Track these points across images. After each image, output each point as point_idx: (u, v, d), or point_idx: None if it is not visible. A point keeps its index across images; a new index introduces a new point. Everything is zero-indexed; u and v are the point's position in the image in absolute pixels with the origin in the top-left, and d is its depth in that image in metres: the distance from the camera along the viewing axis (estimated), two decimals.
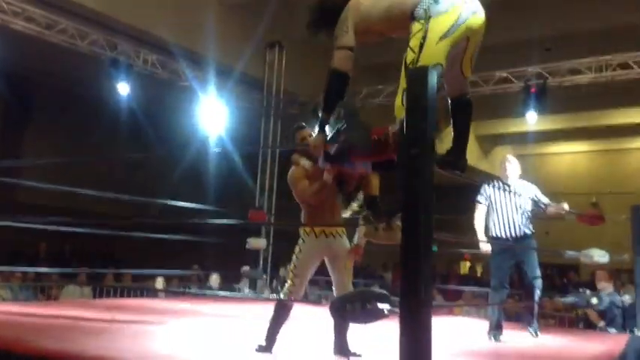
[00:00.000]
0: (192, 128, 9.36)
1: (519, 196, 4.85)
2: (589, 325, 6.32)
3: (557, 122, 13.05)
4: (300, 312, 5.80)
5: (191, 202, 8.72)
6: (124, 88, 8.20)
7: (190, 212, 9.19)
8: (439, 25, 2.60)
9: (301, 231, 3.44)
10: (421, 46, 2.59)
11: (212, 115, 9.09)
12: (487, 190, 5.01)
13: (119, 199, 9.10)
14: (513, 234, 4.82)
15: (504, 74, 8.13)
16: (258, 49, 9.58)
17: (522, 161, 5.22)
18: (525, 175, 5.15)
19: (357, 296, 2.58)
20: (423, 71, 2.20)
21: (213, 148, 9.27)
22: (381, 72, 8.70)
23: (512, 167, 4.99)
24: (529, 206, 4.86)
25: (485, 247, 5.05)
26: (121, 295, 8.14)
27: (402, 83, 2.52)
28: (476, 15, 2.66)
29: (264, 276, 8.77)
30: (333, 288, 3.46)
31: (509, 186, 4.93)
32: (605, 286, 6.20)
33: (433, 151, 2.19)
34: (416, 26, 2.64)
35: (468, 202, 5.89)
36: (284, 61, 9.99)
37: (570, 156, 16.63)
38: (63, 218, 10.09)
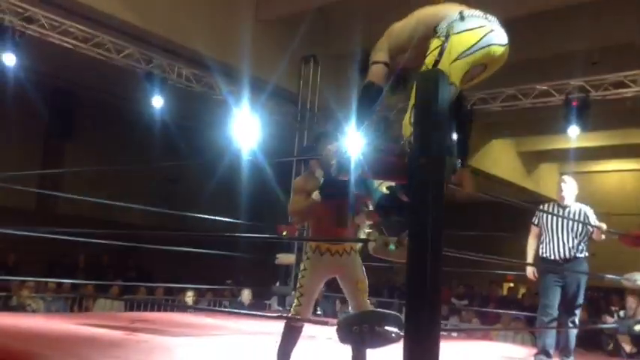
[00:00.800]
0: (226, 142, 9.35)
1: (573, 218, 4.70)
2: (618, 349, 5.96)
3: (603, 139, 12.56)
4: (319, 331, 5.65)
5: (224, 216, 8.71)
6: (158, 102, 8.25)
7: (224, 226, 9.19)
8: (459, 43, 2.44)
9: (307, 247, 3.30)
10: (436, 63, 2.43)
11: (246, 129, 9.06)
12: (540, 212, 4.90)
13: (155, 212, 9.18)
14: (563, 256, 4.66)
15: (545, 87, 7.82)
16: (293, 63, 9.54)
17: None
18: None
19: (366, 318, 2.40)
20: (434, 75, 2.04)
21: (246, 158, 9.22)
22: (498, 74, 8.36)
23: (569, 188, 4.83)
24: (583, 229, 4.64)
25: (530, 270, 4.91)
26: (152, 309, 8.13)
27: (412, 100, 2.37)
28: (501, 44, 2.50)
29: (294, 292, 8.61)
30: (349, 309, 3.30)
31: (563, 208, 4.78)
32: (635, 309, 5.85)
33: (444, 160, 2.02)
34: (435, 42, 2.50)
35: (513, 221, 5.69)
36: (319, 76, 9.91)
37: (618, 174, 16.00)
38: (100, 230, 10.29)
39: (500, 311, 8.58)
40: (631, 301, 5.89)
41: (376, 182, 2.71)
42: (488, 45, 2.45)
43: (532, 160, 15.17)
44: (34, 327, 4.53)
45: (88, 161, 11.74)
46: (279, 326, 6.10)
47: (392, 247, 2.38)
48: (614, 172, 15.93)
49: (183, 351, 3.93)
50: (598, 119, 8.42)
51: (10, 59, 6.86)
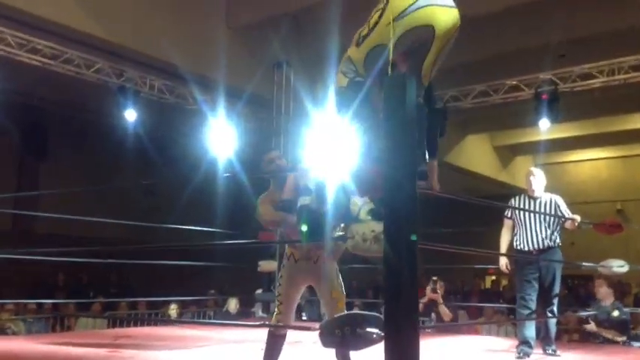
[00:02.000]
0: (202, 151, 9.32)
1: (544, 209, 4.78)
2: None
3: (575, 129, 12.80)
4: (304, 336, 5.67)
5: (201, 226, 8.66)
6: (131, 115, 8.19)
7: (202, 236, 9.13)
8: (397, 5, 2.44)
9: (285, 254, 3.32)
10: (375, 24, 2.48)
11: (221, 138, 9.04)
12: (511, 204, 5.00)
13: (133, 225, 9.09)
14: (537, 247, 4.73)
15: (514, 82, 7.94)
16: (266, 69, 9.55)
17: (543, 171, 5.10)
18: (546, 185, 5.02)
19: (347, 320, 2.42)
20: (401, 80, 2.07)
21: (223, 173, 9.17)
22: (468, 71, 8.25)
23: (537, 180, 4.91)
24: (554, 219, 4.72)
25: (502, 261, 4.98)
26: (135, 324, 8.05)
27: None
28: (445, 4, 2.46)
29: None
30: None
31: (534, 199, 4.86)
32: (605, 296, 5.95)
33: (415, 161, 2.05)
34: (379, 4, 2.54)
35: (491, 214, 5.75)
36: (292, 81, 9.93)
37: (592, 163, 16.29)
38: (78, 248, 10.16)
39: (481, 304, 8.67)
40: (603, 289, 5.97)
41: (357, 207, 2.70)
42: (429, 5, 2.41)
43: (507, 153, 15.37)
44: (15, 349, 4.47)
45: (64, 178, 11.59)
46: (264, 333, 6.12)
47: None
48: (588, 161, 16.22)
49: None
50: (568, 111, 8.56)
51: None
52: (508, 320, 7.49)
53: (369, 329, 2.34)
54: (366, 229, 2.43)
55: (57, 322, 8.11)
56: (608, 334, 5.76)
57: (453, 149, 12.92)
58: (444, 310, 6.40)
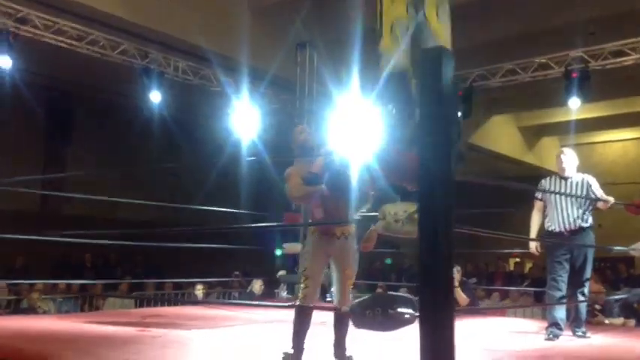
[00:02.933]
0: (226, 133, 9.33)
1: (575, 189, 4.69)
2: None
3: (604, 109, 12.51)
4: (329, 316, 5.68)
5: (226, 207, 8.70)
6: (156, 97, 8.22)
7: (226, 217, 9.18)
8: None
9: (308, 230, 3.33)
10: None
11: (245, 119, 9.03)
12: (542, 185, 4.90)
13: (156, 207, 9.16)
14: (568, 227, 4.63)
15: (544, 60, 7.76)
16: (289, 50, 9.48)
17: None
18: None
19: (379, 301, 2.39)
20: (437, 53, 2.01)
21: (247, 155, 9.17)
22: (496, 49, 8.12)
23: (568, 159, 4.80)
24: (587, 200, 4.64)
25: (533, 245, 4.92)
26: (162, 304, 8.15)
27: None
28: None
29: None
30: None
31: (565, 179, 4.76)
32: None
33: (452, 138, 2.00)
34: None
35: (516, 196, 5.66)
36: (315, 62, 9.85)
37: (620, 144, 15.94)
38: (105, 231, 10.29)
39: (509, 288, 8.59)
40: None
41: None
42: None
43: (533, 134, 15.11)
44: (47, 328, 4.54)
45: (89, 160, 11.70)
46: (289, 314, 6.14)
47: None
48: (617, 141, 15.87)
49: (198, 343, 3.95)
50: (599, 89, 8.37)
51: (5, 62, 6.82)
52: (540, 304, 7.40)
53: (400, 310, 2.32)
54: (398, 209, 2.39)
55: (85, 302, 8.25)
56: (618, 322, 5.67)
57: (478, 130, 12.75)
58: (460, 295, 6.32)
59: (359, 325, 2.58)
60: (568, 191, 4.68)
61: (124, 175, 11.54)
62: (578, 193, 4.67)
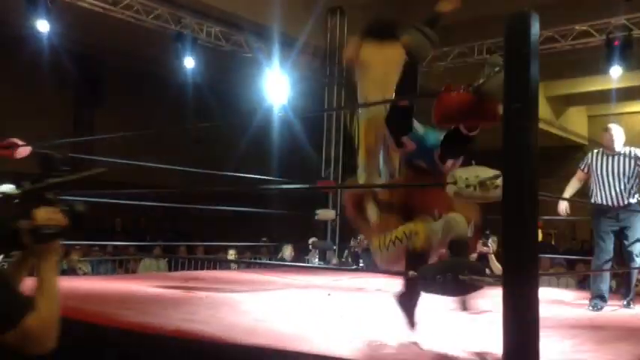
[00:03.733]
0: (257, 99, 9.33)
1: (622, 163, 4.65)
2: None
3: (634, 79, 12.22)
4: (366, 283, 5.75)
5: (257, 174, 8.73)
6: (189, 62, 8.22)
7: (258, 184, 9.21)
8: None
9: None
10: None
11: (276, 86, 9.01)
12: (589, 158, 4.86)
13: (188, 172, 9.20)
14: (615, 203, 4.62)
15: (584, 28, 7.60)
16: (320, 17, 9.40)
17: (598, 122, 4.96)
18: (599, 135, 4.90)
19: (449, 266, 2.41)
20: (524, 16, 1.98)
21: (277, 113, 9.15)
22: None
23: (617, 133, 4.75)
24: (634, 173, 4.61)
25: (562, 206, 4.99)
26: (195, 268, 8.29)
27: None
28: None
29: (334, 247, 8.70)
30: None
31: (612, 155, 4.71)
32: None
33: (537, 104, 1.98)
34: None
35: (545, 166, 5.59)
36: (346, 28, 9.75)
37: None
38: (137, 190, 10.41)
39: (546, 256, 8.57)
40: None
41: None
42: None
43: (560, 104, 14.85)
44: (95, 289, 4.64)
45: (119, 127, 11.77)
46: (323, 279, 6.21)
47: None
48: None
49: (249, 305, 4.01)
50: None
51: (43, 26, 6.85)
52: (581, 272, 7.39)
53: (470, 276, 2.34)
54: (470, 174, 2.38)
55: (121, 265, 8.41)
56: None
57: None
58: (496, 265, 6.32)
59: (427, 289, 2.61)
60: (615, 166, 4.64)
61: (153, 142, 11.58)
62: (626, 167, 4.62)
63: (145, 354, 2.89)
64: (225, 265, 8.37)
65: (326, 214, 8.07)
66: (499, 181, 2.16)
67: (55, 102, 11.52)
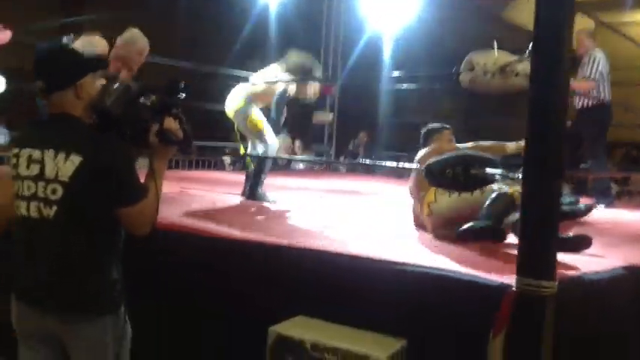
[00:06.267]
0: None
1: None
2: None
3: None
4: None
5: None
6: None
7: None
8: None
9: None
10: None
11: None
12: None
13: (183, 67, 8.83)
14: None
15: None
16: None
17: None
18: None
19: (460, 159, 2.29)
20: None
21: (275, 20, 8.68)
22: None
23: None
24: None
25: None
26: (189, 168, 8.15)
27: None
28: None
29: (330, 152, 8.54)
30: None
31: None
32: None
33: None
34: None
35: None
36: None
37: None
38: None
39: None
40: None
41: None
42: None
43: None
44: None
45: (110, 23, 11.26)
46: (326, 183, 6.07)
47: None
48: None
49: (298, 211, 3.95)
50: None
51: None
52: None
53: (485, 170, 2.23)
54: (488, 59, 2.20)
55: None
56: None
57: (510, 3, 12.02)
58: None
59: (435, 183, 2.50)
60: None
61: (146, 25, 11.06)
62: None
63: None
64: (219, 165, 8.25)
65: (322, 116, 7.86)
66: (521, 67, 2.00)
67: None
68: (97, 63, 2.07)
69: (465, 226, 2.60)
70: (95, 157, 1.81)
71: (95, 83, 1.94)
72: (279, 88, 4.00)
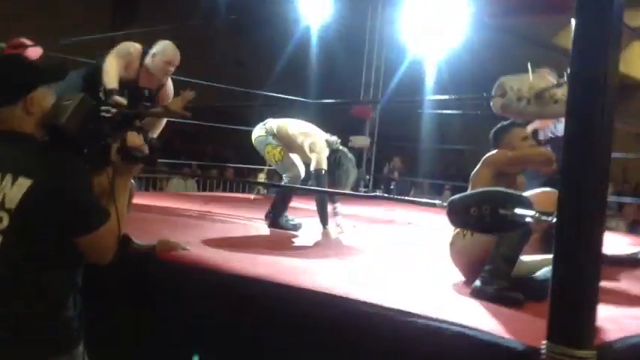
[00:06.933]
0: (296, 18, 8.75)
1: None
2: None
3: None
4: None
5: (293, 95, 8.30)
6: None
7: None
8: None
9: None
10: None
11: (315, 4, 8.38)
12: None
13: (226, 92, 8.82)
14: None
15: None
16: None
17: None
18: None
19: (487, 197, 2.00)
20: None
21: (317, 43, 8.60)
22: None
23: None
24: None
25: None
26: (224, 190, 8.09)
27: None
28: None
29: (367, 177, 8.29)
30: None
31: None
32: None
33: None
34: None
35: None
36: None
37: None
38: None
39: None
40: None
41: None
42: None
43: (624, 37, 13.72)
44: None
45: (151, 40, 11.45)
46: (358, 210, 5.89)
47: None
48: None
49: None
50: None
51: None
52: None
53: (517, 211, 1.94)
54: (523, 84, 1.92)
55: (149, 183, 8.31)
56: None
57: (564, 29, 11.61)
58: None
59: (457, 223, 2.22)
60: None
61: (190, 61, 11.21)
62: None
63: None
64: (252, 188, 8.13)
65: (360, 140, 7.63)
66: (561, 93, 1.71)
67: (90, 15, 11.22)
68: (51, 74, 1.83)
69: (478, 286, 2.29)
70: (47, 179, 1.60)
71: (50, 96, 1.73)
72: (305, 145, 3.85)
